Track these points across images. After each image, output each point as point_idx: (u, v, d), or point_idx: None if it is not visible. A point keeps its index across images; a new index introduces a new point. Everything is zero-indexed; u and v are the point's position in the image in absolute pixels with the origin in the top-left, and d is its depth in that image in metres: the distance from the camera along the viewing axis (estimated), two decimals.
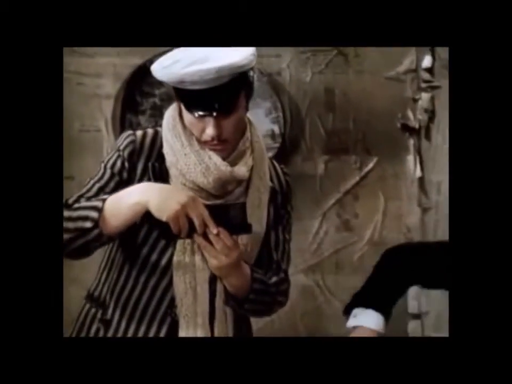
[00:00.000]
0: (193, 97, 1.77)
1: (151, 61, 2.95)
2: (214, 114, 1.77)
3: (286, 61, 3.14)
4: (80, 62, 3.13)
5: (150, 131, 1.91)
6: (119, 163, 1.87)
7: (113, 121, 3.15)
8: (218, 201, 1.84)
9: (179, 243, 1.85)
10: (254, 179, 1.91)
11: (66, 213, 1.79)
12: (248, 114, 1.93)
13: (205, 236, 1.75)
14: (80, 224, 1.78)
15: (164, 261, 1.87)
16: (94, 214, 1.77)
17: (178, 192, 1.77)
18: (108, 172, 1.87)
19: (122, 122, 3.11)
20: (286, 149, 3.11)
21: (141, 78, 3.09)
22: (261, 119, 2.96)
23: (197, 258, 1.85)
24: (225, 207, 1.78)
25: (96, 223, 1.76)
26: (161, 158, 1.87)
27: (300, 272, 3.12)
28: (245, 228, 1.78)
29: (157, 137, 1.89)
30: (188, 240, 1.82)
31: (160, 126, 1.91)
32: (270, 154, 2.62)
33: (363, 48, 3.05)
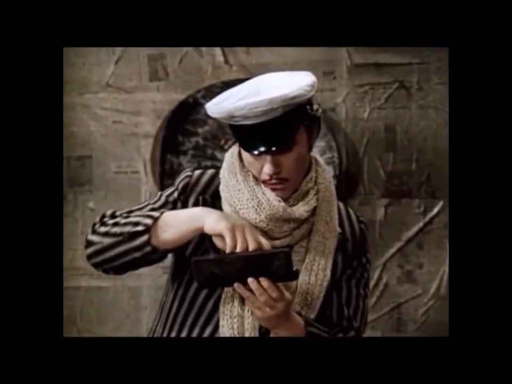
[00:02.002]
0: (248, 134, 1.77)
1: (193, 97, 2.89)
2: (273, 149, 1.76)
3: (342, 96, 3.01)
4: (116, 98, 3.05)
5: (209, 171, 1.94)
6: (175, 194, 1.90)
7: (152, 162, 3.03)
8: (263, 252, 1.74)
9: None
10: (318, 222, 1.86)
11: (111, 221, 1.83)
12: None
13: (248, 285, 1.70)
14: (128, 228, 1.79)
15: (211, 302, 1.84)
16: (147, 221, 1.78)
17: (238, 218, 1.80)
18: (163, 198, 1.91)
19: (162, 164, 3.00)
20: (342, 192, 2.93)
21: (182, 116, 2.97)
22: None
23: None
24: (267, 257, 1.70)
25: (148, 228, 1.77)
26: (216, 195, 1.88)
27: None
28: (290, 275, 1.71)
29: (216, 176, 1.91)
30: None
31: (214, 167, 1.95)
32: None
33: (427, 81, 2.95)
